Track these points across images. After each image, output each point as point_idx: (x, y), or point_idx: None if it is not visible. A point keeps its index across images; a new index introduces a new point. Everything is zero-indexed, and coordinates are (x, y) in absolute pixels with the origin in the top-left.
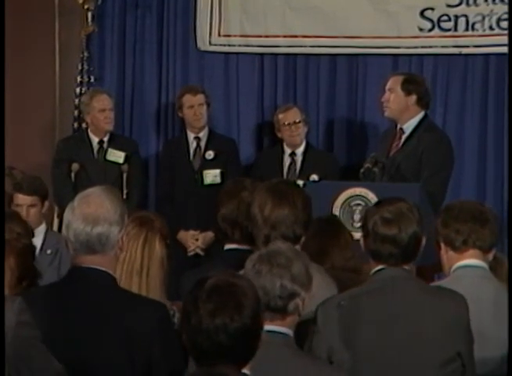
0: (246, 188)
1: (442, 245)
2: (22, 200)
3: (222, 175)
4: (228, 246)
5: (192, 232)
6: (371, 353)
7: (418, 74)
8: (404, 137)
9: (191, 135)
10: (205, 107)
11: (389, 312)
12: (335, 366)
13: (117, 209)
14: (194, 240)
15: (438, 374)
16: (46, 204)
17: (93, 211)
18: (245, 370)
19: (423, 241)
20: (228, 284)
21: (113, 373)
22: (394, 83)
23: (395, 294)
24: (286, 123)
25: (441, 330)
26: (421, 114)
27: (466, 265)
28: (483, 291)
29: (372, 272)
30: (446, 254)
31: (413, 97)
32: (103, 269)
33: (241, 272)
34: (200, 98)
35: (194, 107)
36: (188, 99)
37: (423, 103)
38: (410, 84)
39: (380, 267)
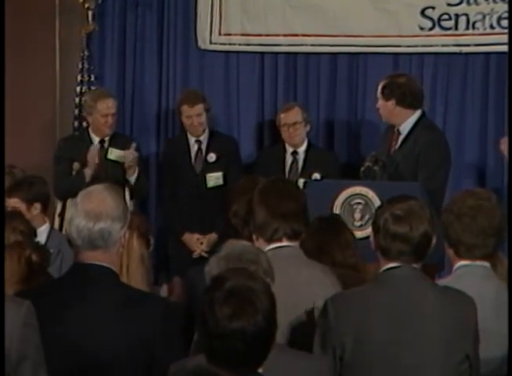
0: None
1: (446, 244)
2: (7, 201)
3: (224, 176)
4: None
5: (197, 235)
6: (381, 352)
7: (404, 73)
8: (400, 138)
9: (192, 139)
10: (204, 115)
11: (399, 311)
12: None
13: (120, 205)
14: (199, 244)
15: (447, 374)
16: (37, 205)
17: (95, 207)
18: (259, 370)
19: (434, 240)
20: (245, 288)
21: (114, 368)
22: (378, 90)
23: (406, 293)
24: (285, 123)
25: (451, 330)
26: (417, 114)
27: (469, 264)
28: (485, 290)
29: (381, 269)
30: (449, 252)
31: (392, 101)
32: (105, 264)
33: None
34: (198, 108)
35: (192, 118)
36: (185, 110)
37: (405, 104)
38: (387, 89)
39: (390, 265)
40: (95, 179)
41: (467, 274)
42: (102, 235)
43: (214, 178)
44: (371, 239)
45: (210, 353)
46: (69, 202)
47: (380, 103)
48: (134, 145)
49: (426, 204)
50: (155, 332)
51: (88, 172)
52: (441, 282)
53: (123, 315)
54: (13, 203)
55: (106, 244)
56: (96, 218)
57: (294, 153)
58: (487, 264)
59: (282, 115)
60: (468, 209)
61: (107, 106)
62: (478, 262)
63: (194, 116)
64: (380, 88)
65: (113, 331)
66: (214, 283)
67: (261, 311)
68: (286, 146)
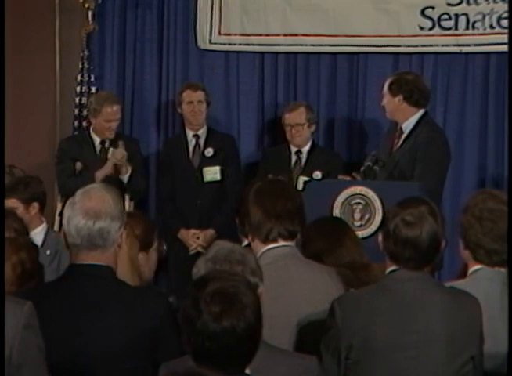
0: None
1: (462, 245)
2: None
3: (222, 172)
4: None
5: (193, 230)
6: (387, 353)
7: (413, 71)
8: (403, 137)
9: (190, 133)
10: (204, 105)
11: (405, 312)
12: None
13: (118, 205)
14: (195, 239)
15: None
16: (35, 205)
17: (95, 205)
18: (246, 371)
19: (443, 244)
20: (230, 286)
21: (117, 366)
22: (385, 86)
23: (412, 295)
24: (288, 124)
25: (457, 332)
26: (419, 113)
27: (484, 268)
28: (498, 293)
29: (387, 271)
30: (465, 254)
31: (400, 97)
32: (104, 264)
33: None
34: (200, 95)
35: (193, 103)
36: (188, 95)
37: (412, 101)
38: (394, 85)
39: (395, 267)
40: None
41: (483, 278)
42: (101, 234)
43: (212, 173)
44: (379, 241)
45: (199, 354)
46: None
47: (387, 99)
48: (121, 143)
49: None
50: (157, 329)
51: (99, 175)
52: (457, 284)
53: (124, 312)
54: (11, 203)
55: (104, 243)
56: (96, 216)
57: (298, 152)
58: (503, 270)
59: (286, 115)
60: (489, 213)
61: (112, 112)
62: (496, 269)
63: (196, 102)
64: (387, 84)
65: (116, 330)
66: (197, 285)
67: (248, 307)
68: (291, 145)
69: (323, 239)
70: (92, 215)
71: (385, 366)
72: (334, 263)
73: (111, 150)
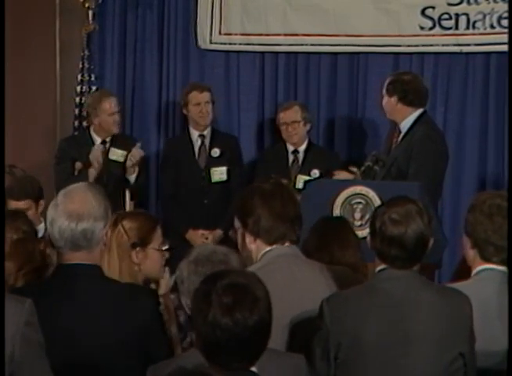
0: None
1: (470, 243)
2: (15, 205)
3: (228, 172)
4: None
5: (201, 231)
6: (376, 352)
7: (412, 71)
8: (401, 136)
9: (195, 133)
10: (211, 105)
11: (394, 311)
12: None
13: (101, 204)
14: (204, 239)
15: (442, 373)
16: (42, 202)
17: (78, 207)
18: (253, 368)
19: (431, 243)
20: (242, 279)
21: (108, 362)
22: (383, 87)
23: (401, 293)
24: (284, 122)
25: (445, 329)
26: (417, 112)
27: (492, 268)
28: (498, 294)
29: (377, 270)
30: (471, 254)
31: (395, 97)
32: (90, 263)
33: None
34: (207, 95)
35: (201, 105)
36: (194, 96)
37: (407, 101)
38: (391, 86)
39: (384, 266)
40: (97, 180)
41: (487, 279)
42: (85, 235)
43: (219, 173)
44: (367, 239)
45: (210, 346)
46: None
47: (385, 99)
48: (138, 144)
49: (425, 206)
50: (146, 325)
51: (92, 172)
52: (459, 285)
53: (113, 310)
54: (24, 205)
55: (89, 244)
56: (79, 218)
57: (295, 152)
58: (505, 269)
59: (281, 114)
60: (498, 209)
61: (111, 105)
62: (501, 267)
63: (203, 103)
64: (385, 84)
65: (105, 327)
66: (207, 280)
67: (261, 300)
68: (287, 144)
69: (317, 236)
70: (75, 217)
71: (375, 364)
72: (322, 259)
73: (112, 149)
